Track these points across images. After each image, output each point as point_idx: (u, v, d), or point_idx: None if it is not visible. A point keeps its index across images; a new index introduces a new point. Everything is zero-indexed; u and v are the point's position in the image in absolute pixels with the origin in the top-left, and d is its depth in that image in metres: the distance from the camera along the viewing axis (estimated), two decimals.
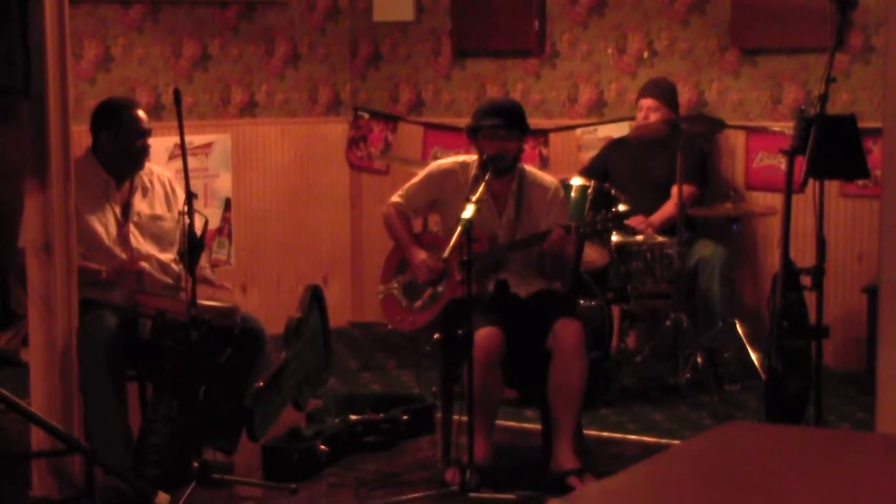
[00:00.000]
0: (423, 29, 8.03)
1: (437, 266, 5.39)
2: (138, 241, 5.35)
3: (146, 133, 5.37)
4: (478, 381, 5.00)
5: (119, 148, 5.34)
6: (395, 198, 5.57)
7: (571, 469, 5.11)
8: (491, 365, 5.07)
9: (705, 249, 6.66)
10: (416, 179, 5.58)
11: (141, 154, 5.37)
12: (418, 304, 5.48)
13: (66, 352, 5.01)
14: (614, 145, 7.08)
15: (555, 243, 5.23)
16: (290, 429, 5.49)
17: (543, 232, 5.27)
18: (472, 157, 5.48)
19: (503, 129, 5.32)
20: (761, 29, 7.08)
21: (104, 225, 5.30)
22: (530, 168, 5.60)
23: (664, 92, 6.89)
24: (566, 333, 5.17)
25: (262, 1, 7.77)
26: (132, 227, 5.35)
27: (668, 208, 6.67)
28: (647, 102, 6.84)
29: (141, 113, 5.39)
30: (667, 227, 6.59)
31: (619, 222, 5.36)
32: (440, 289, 5.43)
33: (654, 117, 6.77)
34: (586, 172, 6.88)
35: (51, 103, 4.91)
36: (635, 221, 6.59)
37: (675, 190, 6.47)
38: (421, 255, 5.45)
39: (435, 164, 5.62)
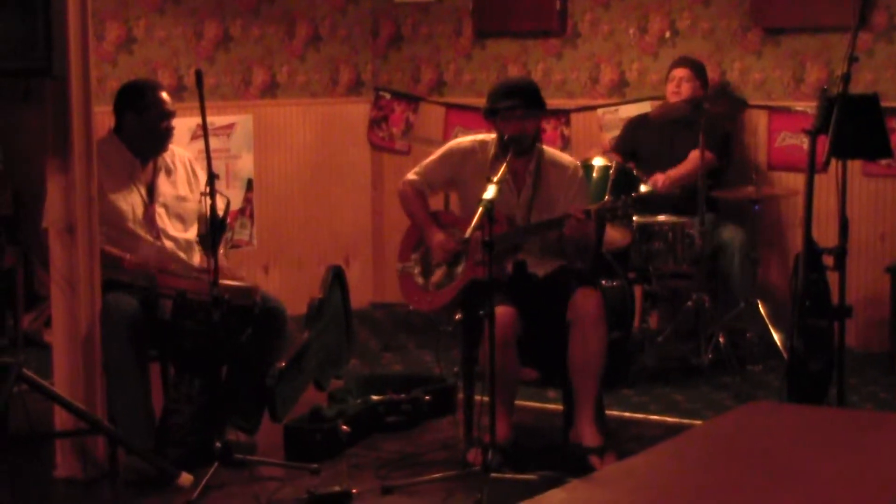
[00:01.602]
0: (445, 9, 8.02)
1: (454, 247, 5.38)
2: (164, 221, 5.37)
3: (170, 115, 5.38)
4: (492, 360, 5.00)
5: (143, 129, 5.35)
6: (412, 175, 5.54)
7: (592, 447, 5.11)
8: (506, 344, 5.06)
9: (725, 234, 6.65)
10: (433, 157, 5.56)
11: (165, 136, 5.39)
12: (435, 283, 5.47)
13: (89, 332, 5.03)
14: (638, 123, 7.05)
15: (575, 227, 5.20)
16: (311, 409, 5.50)
17: (563, 216, 5.24)
18: (491, 136, 5.46)
19: (520, 110, 5.31)
20: (783, 8, 7.04)
21: (131, 206, 5.31)
22: (549, 148, 5.57)
23: (696, 65, 6.89)
24: (585, 303, 5.15)
25: None
26: (158, 208, 5.37)
27: (686, 165, 6.65)
28: (681, 72, 6.82)
29: (165, 95, 5.41)
30: (688, 200, 6.51)
31: (641, 206, 5.32)
32: (459, 269, 5.42)
33: (685, 87, 6.75)
34: (616, 149, 6.91)
35: (73, 84, 4.92)
36: (653, 180, 6.60)
37: (692, 154, 6.48)
38: (439, 235, 5.43)
39: (454, 142, 5.60)
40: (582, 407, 5.19)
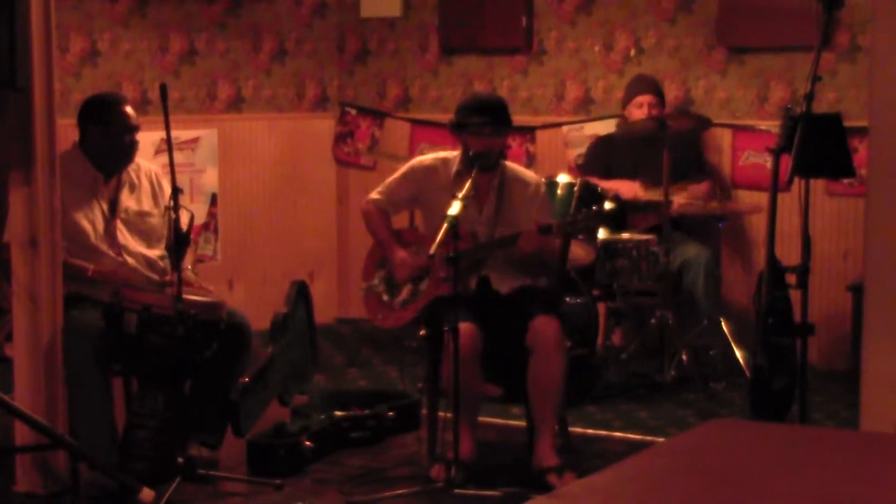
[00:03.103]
0: (411, 25, 8.03)
1: (417, 264, 5.38)
2: (125, 237, 5.34)
3: (134, 129, 5.35)
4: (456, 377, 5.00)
5: (107, 144, 5.33)
6: (375, 194, 5.55)
7: (551, 466, 5.11)
8: (468, 360, 5.06)
9: (690, 251, 6.67)
10: (396, 175, 5.56)
11: (129, 150, 5.36)
12: (400, 301, 5.47)
13: (51, 347, 5.00)
14: (606, 144, 7.06)
15: (529, 242, 5.20)
16: (275, 424, 5.49)
17: (518, 232, 5.24)
18: (453, 153, 5.47)
19: (490, 127, 5.31)
20: (748, 27, 7.09)
21: (91, 221, 5.28)
22: (512, 164, 5.59)
23: (658, 88, 6.94)
24: (544, 331, 5.16)
25: None
26: (119, 224, 5.34)
27: (694, 195, 6.74)
28: (649, 99, 6.85)
29: (129, 109, 5.38)
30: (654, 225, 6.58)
31: (600, 220, 5.33)
32: (422, 286, 5.42)
33: (654, 113, 6.78)
34: (586, 168, 6.92)
35: (36, 97, 4.90)
36: (626, 187, 6.63)
37: (697, 189, 6.65)
38: (401, 253, 5.44)
39: (416, 161, 5.60)
40: (540, 432, 5.19)
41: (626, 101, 6.98)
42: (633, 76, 7.13)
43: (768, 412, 5.21)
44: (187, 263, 5.16)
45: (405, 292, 5.46)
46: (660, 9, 7.33)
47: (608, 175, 6.83)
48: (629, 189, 6.70)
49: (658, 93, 6.92)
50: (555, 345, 5.16)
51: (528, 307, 5.25)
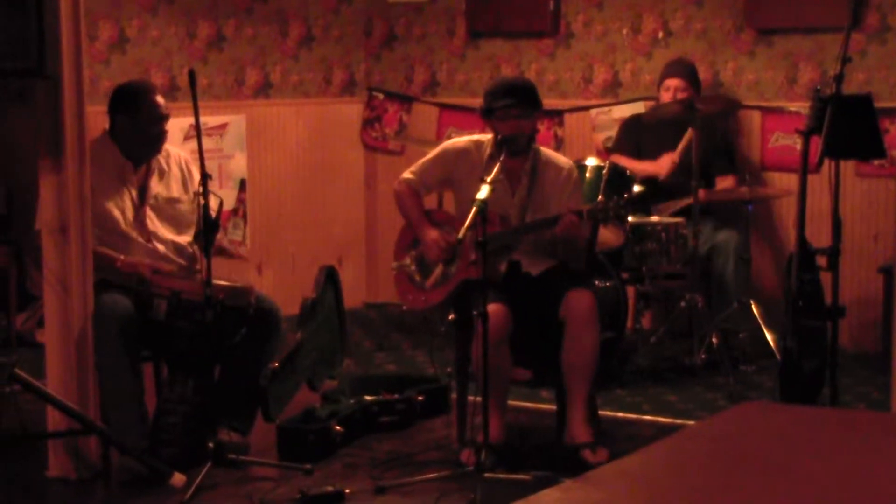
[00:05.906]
0: (438, 9, 8.01)
1: (448, 243, 5.37)
2: (154, 224, 5.36)
3: (164, 118, 5.36)
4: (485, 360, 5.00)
5: (135, 133, 5.34)
6: (407, 174, 5.55)
7: (584, 442, 5.12)
8: (498, 342, 5.06)
9: (720, 236, 6.66)
10: (429, 157, 5.56)
11: (157, 140, 5.37)
12: (430, 282, 5.47)
13: (82, 333, 5.02)
14: (634, 125, 7.04)
15: (567, 228, 5.20)
16: (305, 409, 5.50)
17: (555, 216, 5.24)
18: (487, 136, 5.46)
19: (517, 109, 5.30)
20: (777, 9, 7.05)
21: (121, 209, 5.30)
22: (545, 149, 5.58)
23: (690, 72, 6.90)
24: (578, 303, 5.16)
25: None
26: (149, 211, 5.36)
27: (720, 191, 6.73)
28: (676, 83, 6.82)
29: (159, 98, 5.39)
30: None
31: (633, 207, 5.32)
32: (452, 268, 5.41)
33: (681, 97, 6.75)
34: (616, 148, 6.91)
35: (66, 85, 4.92)
36: (661, 163, 6.65)
37: (726, 180, 6.71)
38: (432, 233, 5.43)
39: (449, 143, 5.60)
40: (573, 406, 5.20)
41: (658, 84, 6.96)
42: (670, 59, 7.10)
43: (798, 395, 5.19)
44: (221, 234, 5.14)
45: (435, 274, 5.46)
46: None
47: (638, 155, 6.82)
48: (664, 164, 6.68)
49: (689, 77, 6.88)
50: (589, 317, 5.15)
51: (560, 283, 5.24)
